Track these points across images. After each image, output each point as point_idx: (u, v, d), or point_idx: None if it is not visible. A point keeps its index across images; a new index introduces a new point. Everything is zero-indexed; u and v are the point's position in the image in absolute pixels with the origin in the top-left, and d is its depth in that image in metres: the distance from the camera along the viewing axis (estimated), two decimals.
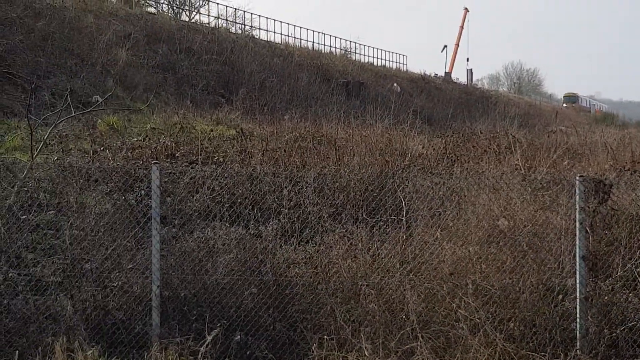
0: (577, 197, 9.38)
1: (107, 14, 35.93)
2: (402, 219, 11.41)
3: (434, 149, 17.66)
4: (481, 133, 20.06)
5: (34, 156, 12.81)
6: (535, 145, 17.72)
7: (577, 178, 9.44)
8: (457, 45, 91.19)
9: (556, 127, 26.48)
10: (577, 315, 9.21)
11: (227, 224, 11.49)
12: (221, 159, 15.37)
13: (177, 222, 11.76)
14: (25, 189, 11.88)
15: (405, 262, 10.13)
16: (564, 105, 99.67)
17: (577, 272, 9.30)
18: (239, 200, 12.10)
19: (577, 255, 9.32)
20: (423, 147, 18.07)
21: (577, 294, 9.26)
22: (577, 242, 9.32)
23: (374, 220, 11.51)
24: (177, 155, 15.79)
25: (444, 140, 18.88)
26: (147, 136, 18.09)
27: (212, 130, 19.93)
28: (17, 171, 12.25)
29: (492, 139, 18.53)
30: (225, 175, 12.73)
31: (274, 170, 13.16)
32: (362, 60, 65.18)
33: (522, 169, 14.13)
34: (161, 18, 42.20)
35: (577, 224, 9.34)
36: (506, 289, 9.60)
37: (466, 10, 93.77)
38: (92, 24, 32.14)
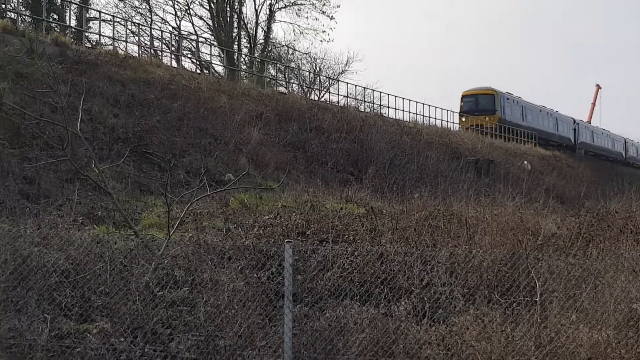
0: None
1: (240, 94, 36.90)
2: (536, 301, 11.16)
3: (567, 229, 17.23)
4: (616, 212, 19.49)
5: (171, 234, 13.16)
6: None
7: None
8: (590, 122, 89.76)
9: None
10: None
11: (357, 303, 11.49)
12: (351, 238, 15.41)
13: (308, 300, 11.83)
14: (162, 265, 12.16)
15: (541, 346, 9.88)
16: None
17: None
18: (369, 279, 12.07)
19: None
20: (556, 227, 17.67)
21: None
22: None
23: (508, 301, 11.27)
24: (307, 233, 15.92)
25: (577, 220, 18.41)
26: (278, 214, 18.31)
27: (342, 209, 20.00)
28: (154, 249, 12.59)
29: (628, 218, 17.97)
30: (356, 254, 12.75)
31: (405, 250, 13.09)
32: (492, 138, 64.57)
33: None
34: (292, 97, 43.02)
35: None
36: None
37: (598, 87, 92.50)
38: (226, 104, 33.10)
